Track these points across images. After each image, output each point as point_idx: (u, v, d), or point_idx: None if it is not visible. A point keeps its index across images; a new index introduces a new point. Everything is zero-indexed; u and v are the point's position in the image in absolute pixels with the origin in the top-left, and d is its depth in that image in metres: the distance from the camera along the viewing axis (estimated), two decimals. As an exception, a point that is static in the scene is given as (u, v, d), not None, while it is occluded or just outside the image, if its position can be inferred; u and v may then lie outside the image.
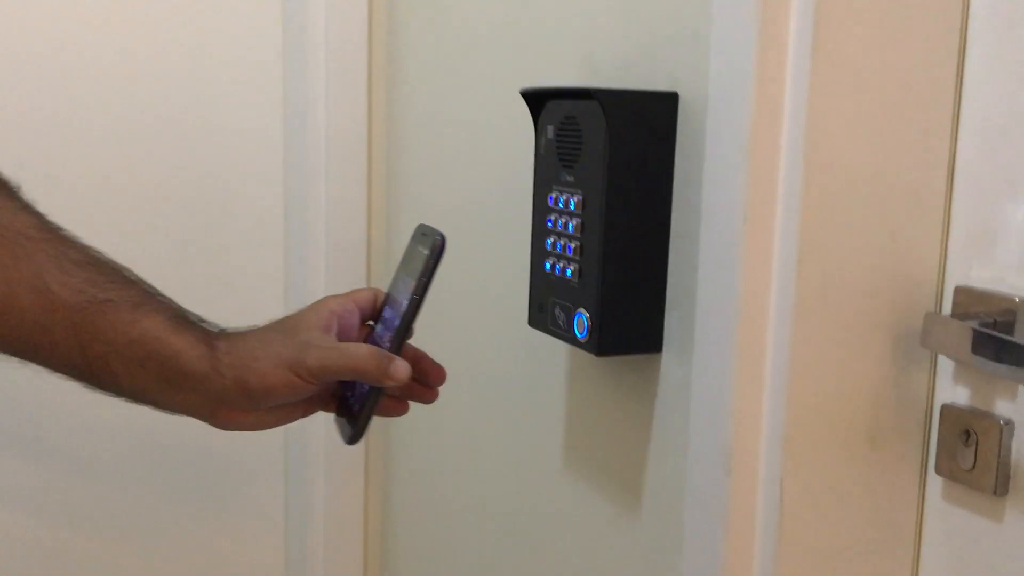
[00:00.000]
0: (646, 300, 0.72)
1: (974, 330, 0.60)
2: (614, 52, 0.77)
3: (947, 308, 0.65)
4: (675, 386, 0.72)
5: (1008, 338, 0.58)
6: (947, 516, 0.66)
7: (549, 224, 0.77)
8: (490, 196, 0.96)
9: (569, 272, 0.74)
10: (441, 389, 1.08)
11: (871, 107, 0.63)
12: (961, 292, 0.64)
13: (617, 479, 0.79)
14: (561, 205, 0.75)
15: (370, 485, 1.22)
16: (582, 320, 0.73)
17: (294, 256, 1.20)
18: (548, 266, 0.77)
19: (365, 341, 0.68)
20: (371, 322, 0.71)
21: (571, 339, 0.75)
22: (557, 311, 0.76)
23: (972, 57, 0.64)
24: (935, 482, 0.67)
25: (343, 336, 0.67)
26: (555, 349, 0.85)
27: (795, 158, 0.62)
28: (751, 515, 0.66)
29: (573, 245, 0.74)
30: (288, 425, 1.21)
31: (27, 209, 0.65)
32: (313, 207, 1.17)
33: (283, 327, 0.65)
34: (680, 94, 0.70)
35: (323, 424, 1.18)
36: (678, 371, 0.71)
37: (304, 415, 0.69)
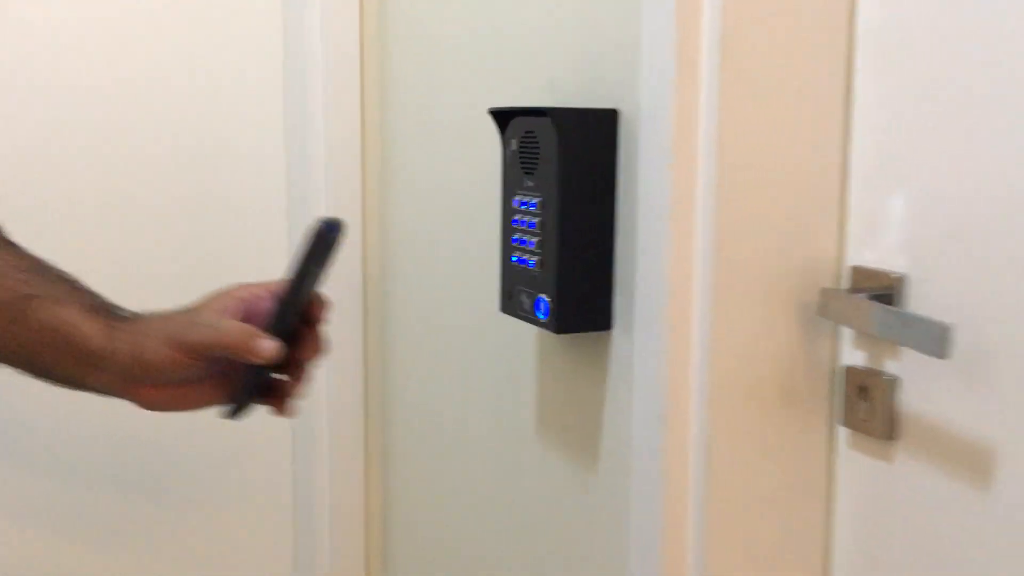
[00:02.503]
0: (597, 285, 0.84)
1: (864, 301, 0.72)
2: (569, 76, 0.90)
3: (847, 283, 0.77)
4: (622, 358, 0.84)
5: (887, 307, 0.70)
6: (851, 460, 0.78)
7: (515, 223, 0.89)
8: (467, 200, 1.09)
9: (532, 263, 0.86)
10: (429, 370, 1.22)
11: (772, 118, 0.75)
12: (856, 271, 0.76)
13: (578, 440, 0.91)
14: (524, 206, 0.87)
15: (370, 453, 1.35)
16: (543, 304, 0.85)
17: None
18: (515, 259, 0.89)
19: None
20: None
21: (535, 321, 0.87)
22: (523, 297, 0.88)
23: (859, 71, 0.76)
24: (841, 432, 0.79)
25: (252, 321, 0.70)
26: (523, 331, 0.97)
27: (710, 161, 0.74)
28: (685, 467, 0.78)
29: (534, 240, 0.86)
30: (295, 417, 1.32)
31: None
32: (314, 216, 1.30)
33: (189, 308, 0.71)
34: (620, 111, 0.82)
35: (326, 413, 1.31)
36: (624, 345, 0.83)
37: (215, 401, 0.73)
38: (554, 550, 0.96)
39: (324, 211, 1.30)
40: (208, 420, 1.15)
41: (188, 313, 0.70)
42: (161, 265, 1.27)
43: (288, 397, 0.73)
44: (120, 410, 0.75)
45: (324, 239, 0.66)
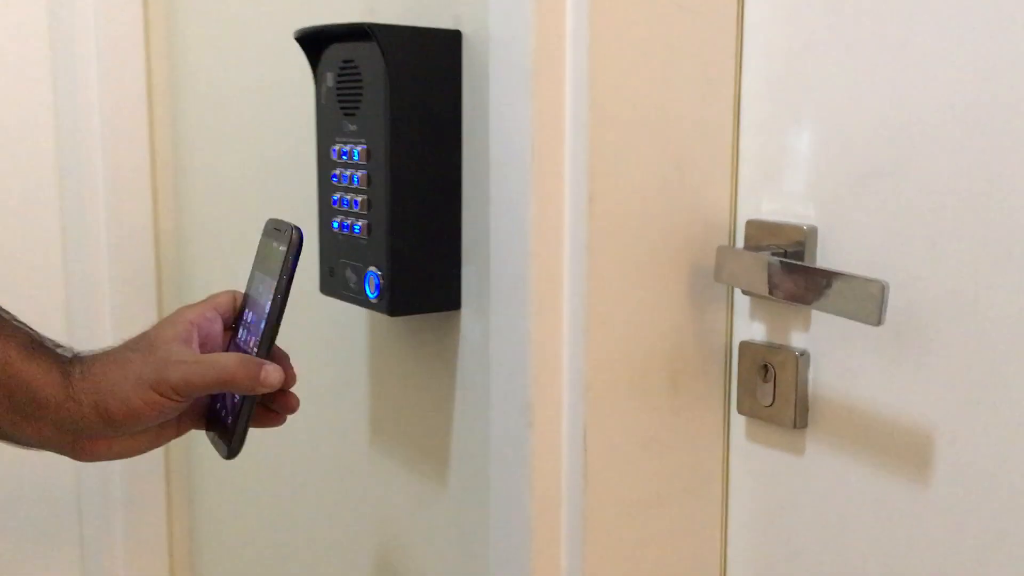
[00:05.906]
0: (440, 254, 0.68)
1: (768, 261, 0.59)
2: (395, -6, 0.73)
3: (740, 242, 0.64)
4: (475, 343, 0.68)
5: (800, 264, 0.58)
6: (751, 454, 0.66)
7: (334, 179, 0.71)
8: (276, 157, 0.90)
9: (357, 228, 0.69)
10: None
11: (654, 39, 0.61)
12: (752, 225, 0.63)
13: (423, 445, 0.75)
14: (345, 157, 0.70)
15: (172, 485, 1.14)
16: (373, 280, 0.68)
17: (73, 244, 1.09)
18: (336, 224, 0.71)
19: (228, 348, 0.65)
20: (234, 326, 0.66)
21: (363, 302, 0.70)
22: (348, 272, 0.71)
23: (751, -14, 0.63)
24: (738, 421, 0.66)
25: (208, 346, 0.64)
26: (352, 315, 0.80)
27: (580, 93, 0.59)
28: (556, 469, 0.63)
29: (360, 199, 0.69)
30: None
31: None
32: (90, 191, 1.07)
33: (140, 345, 0.62)
34: (463, 32, 0.66)
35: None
36: (477, 327, 0.67)
37: (177, 435, 0.66)
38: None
39: (101, 184, 1.07)
40: None
41: (146, 350, 0.61)
42: None
43: (285, 409, 0.66)
44: None
45: (299, 248, 0.61)
